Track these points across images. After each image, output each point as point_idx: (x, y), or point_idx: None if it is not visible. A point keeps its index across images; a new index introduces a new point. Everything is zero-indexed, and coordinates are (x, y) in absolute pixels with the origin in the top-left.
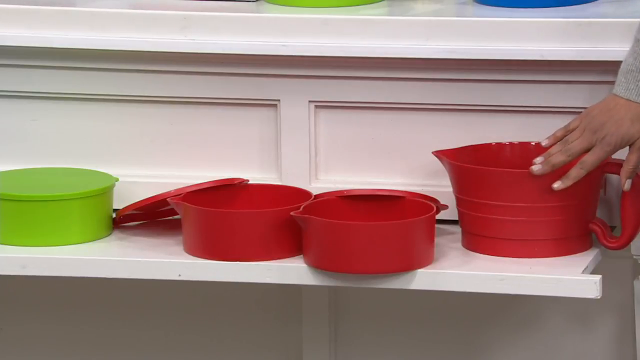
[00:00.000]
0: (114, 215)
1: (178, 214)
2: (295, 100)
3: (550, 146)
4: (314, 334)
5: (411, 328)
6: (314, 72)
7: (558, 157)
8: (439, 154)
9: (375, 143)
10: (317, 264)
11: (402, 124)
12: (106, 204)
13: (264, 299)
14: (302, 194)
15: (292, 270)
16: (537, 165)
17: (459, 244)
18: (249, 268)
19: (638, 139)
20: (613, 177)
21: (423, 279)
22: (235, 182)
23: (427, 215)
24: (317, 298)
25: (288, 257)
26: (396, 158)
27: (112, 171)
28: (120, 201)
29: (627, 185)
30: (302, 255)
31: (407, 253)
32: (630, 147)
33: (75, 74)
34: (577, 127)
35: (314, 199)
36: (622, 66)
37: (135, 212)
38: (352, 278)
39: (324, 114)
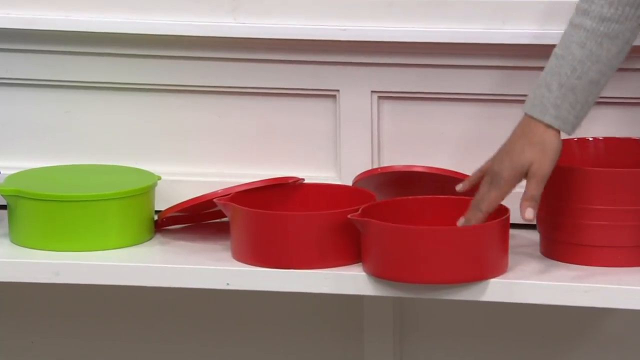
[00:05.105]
0: (155, 217)
1: (226, 216)
2: (356, 90)
3: (465, 190)
4: (376, 349)
5: (483, 344)
6: (376, 60)
7: (474, 215)
8: None
9: (443, 138)
10: (378, 273)
11: (474, 117)
12: (147, 205)
13: (322, 311)
14: (363, 195)
15: (350, 279)
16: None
17: (537, 251)
18: (303, 276)
19: (530, 165)
20: None
21: (497, 290)
22: (290, 181)
23: (500, 218)
24: (380, 310)
25: (347, 264)
26: (467, 154)
27: (153, 169)
28: (163, 202)
29: (527, 214)
30: (361, 263)
31: (479, 261)
32: (526, 176)
33: (113, 61)
34: (485, 172)
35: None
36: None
37: (178, 214)
38: (417, 288)
39: (387, 105)
